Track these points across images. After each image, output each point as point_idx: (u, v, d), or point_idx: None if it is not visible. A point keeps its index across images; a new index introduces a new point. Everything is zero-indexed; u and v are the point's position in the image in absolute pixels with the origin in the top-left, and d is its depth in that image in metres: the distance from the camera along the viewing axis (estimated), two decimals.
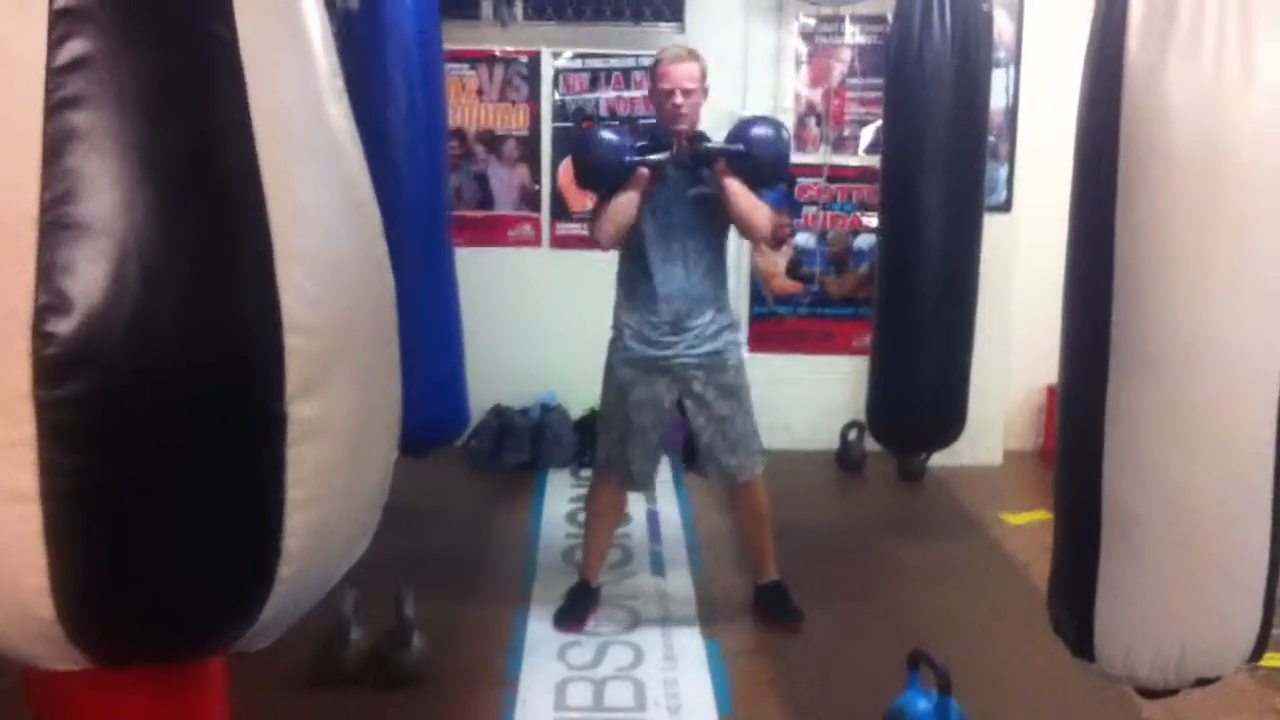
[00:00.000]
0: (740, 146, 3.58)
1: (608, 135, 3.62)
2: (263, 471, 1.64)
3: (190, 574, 1.63)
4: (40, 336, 1.47)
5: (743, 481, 3.83)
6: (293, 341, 1.62)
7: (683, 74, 3.59)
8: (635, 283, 3.72)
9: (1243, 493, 2.12)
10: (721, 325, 3.75)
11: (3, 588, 1.56)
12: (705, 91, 3.68)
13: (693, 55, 3.68)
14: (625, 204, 3.56)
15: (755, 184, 3.64)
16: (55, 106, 1.49)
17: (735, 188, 3.58)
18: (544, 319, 5.68)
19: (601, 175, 3.62)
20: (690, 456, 3.90)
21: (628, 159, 3.56)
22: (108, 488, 1.54)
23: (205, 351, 1.57)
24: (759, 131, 3.63)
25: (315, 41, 1.78)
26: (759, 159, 3.60)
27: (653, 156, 3.57)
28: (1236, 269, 2.03)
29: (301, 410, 1.64)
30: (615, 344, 3.77)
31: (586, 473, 5.16)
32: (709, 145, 3.60)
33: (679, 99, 3.58)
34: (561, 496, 5.17)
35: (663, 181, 3.59)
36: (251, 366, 1.61)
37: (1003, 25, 5.35)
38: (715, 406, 3.73)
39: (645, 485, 3.86)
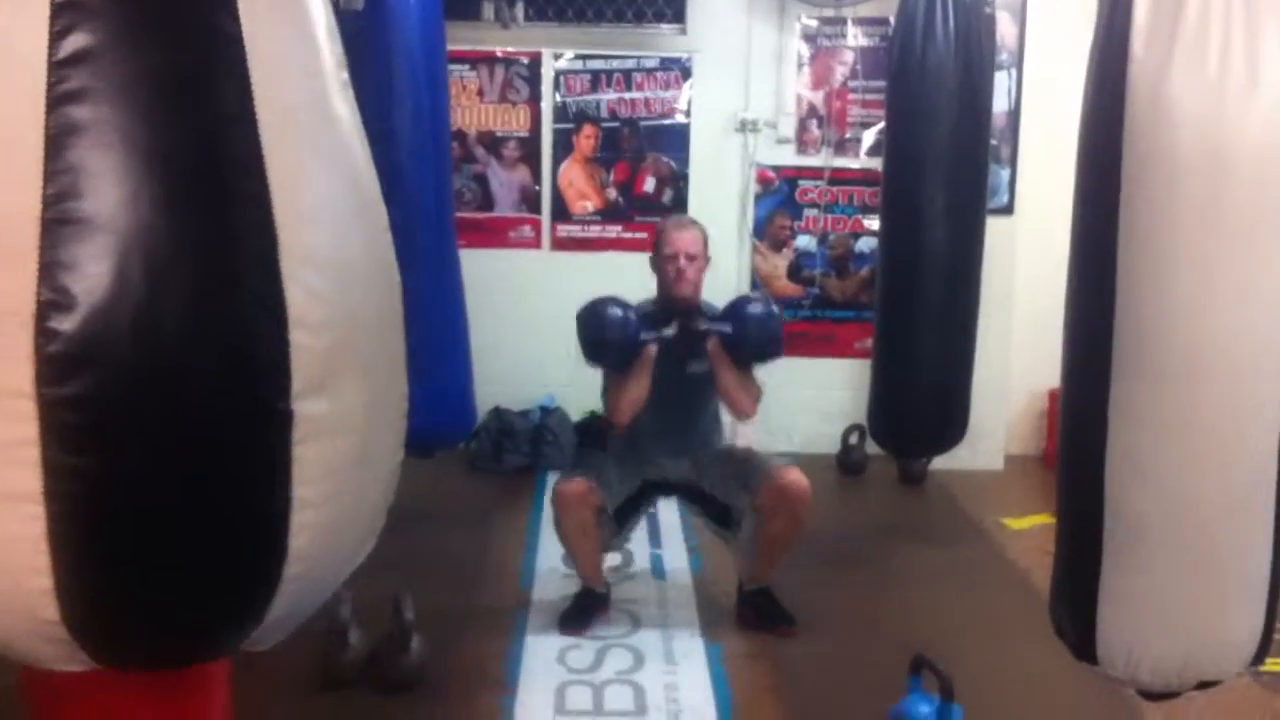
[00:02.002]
0: (728, 328, 3.64)
1: (616, 313, 3.63)
2: (269, 470, 1.62)
3: (196, 573, 1.62)
4: (43, 334, 1.46)
5: (793, 477, 3.66)
6: (298, 338, 1.60)
7: (686, 240, 3.72)
8: (631, 443, 3.84)
9: (1246, 496, 2.11)
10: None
11: (7, 589, 1.55)
12: (708, 259, 3.79)
13: (695, 224, 3.85)
14: (644, 384, 3.64)
15: (745, 361, 3.71)
16: (57, 100, 1.47)
17: (723, 370, 3.68)
18: (544, 321, 5.66)
19: (614, 355, 3.67)
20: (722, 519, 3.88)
21: (641, 338, 3.62)
22: (111, 488, 1.53)
23: (210, 348, 1.55)
24: (749, 312, 3.69)
25: (320, 34, 1.76)
26: (748, 341, 3.68)
27: (663, 333, 3.65)
28: (1241, 272, 2.02)
29: (308, 408, 1.62)
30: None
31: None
32: (701, 327, 3.68)
33: (683, 263, 3.69)
34: None
35: (662, 353, 3.66)
36: (257, 363, 1.59)
37: (1005, 28, 5.34)
38: (715, 459, 3.85)
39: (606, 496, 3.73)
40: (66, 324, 1.46)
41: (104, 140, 1.49)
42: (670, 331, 3.66)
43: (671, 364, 3.68)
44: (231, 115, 1.58)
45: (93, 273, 1.47)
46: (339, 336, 1.68)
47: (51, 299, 1.46)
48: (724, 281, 5.17)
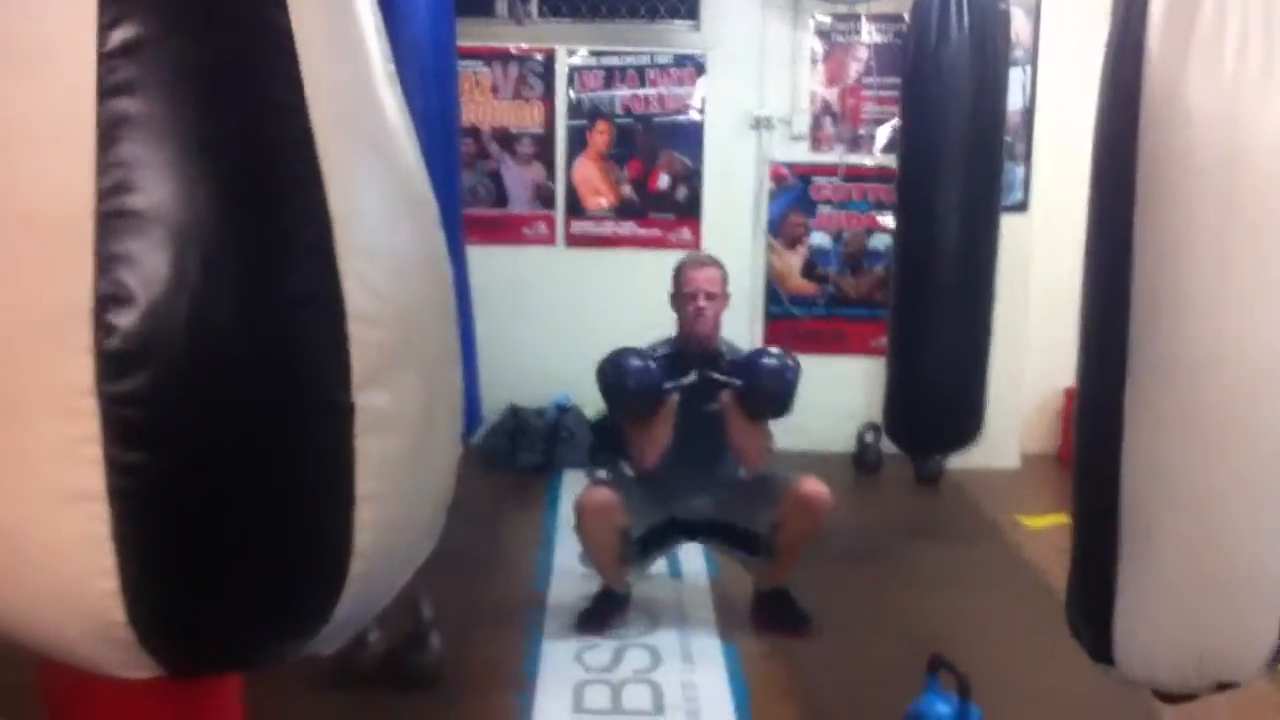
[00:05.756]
0: (740, 383, 3.66)
1: (638, 365, 3.67)
2: (332, 464, 1.59)
3: (263, 570, 1.60)
4: (102, 328, 1.44)
5: (813, 487, 3.72)
6: (356, 330, 1.58)
7: (705, 279, 3.73)
8: (650, 479, 3.81)
9: (1263, 496, 2.10)
10: None
11: (72, 591, 1.52)
12: (727, 297, 3.81)
13: (714, 261, 3.85)
14: (667, 431, 3.69)
15: (756, 416, 3.72)
16: (107, 92, 1.46)
17: (734, 424, 3.69)
18: (559, 318, 5.67)
19: (638, 406, 3.71)
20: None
21: (665, 389, 3.66)
22: (173, 484, 1.50)
23: (269, 341, 1.53)
24: (763, 366, 3.72)
25: (368, 27, 1.74)
26: (760, 397, 3.69)
27: (683, 382, 3.68)
28: (1258, 271, 2.00)
29: (369, 400, 1.60)
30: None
31: (602, 474, 5.15)
32: (715, 377, 3.69)
33: (702, 302, 3.70)
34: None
35: (682, 398, 3.69)
36: (316, 356, 1.57)
37: (1020, 24, 5.33)
38: (735, 490, 3.84)
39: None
40: (124, 319, 1.44)
41: (155, 132, 1.47)
42: (690, 380, 3.69)
43: (691, 406, 3.70)
44: (282, 107, 1.56)
45: (149, 266, 1.45)
46: (396, 329, 1.66)
47: (110, 293, 1.44)
48: (738, 281, 5.15)
